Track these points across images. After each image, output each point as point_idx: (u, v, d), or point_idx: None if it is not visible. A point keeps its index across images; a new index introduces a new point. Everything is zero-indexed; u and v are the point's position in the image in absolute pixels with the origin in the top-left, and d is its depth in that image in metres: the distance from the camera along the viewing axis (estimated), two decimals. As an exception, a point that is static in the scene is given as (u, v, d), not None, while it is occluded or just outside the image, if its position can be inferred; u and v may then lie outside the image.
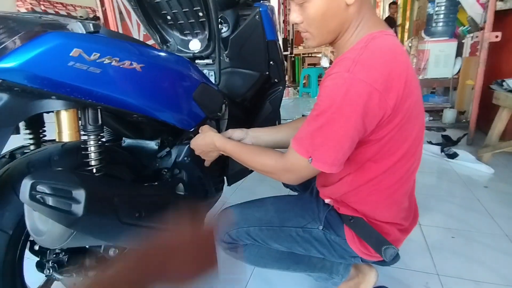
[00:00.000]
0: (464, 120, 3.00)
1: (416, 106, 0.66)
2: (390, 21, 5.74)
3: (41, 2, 4.93)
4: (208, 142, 0.88)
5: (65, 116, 0.66)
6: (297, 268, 0.96)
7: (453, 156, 2.14)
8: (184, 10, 1.21)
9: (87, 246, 0.76)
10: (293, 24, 0.87)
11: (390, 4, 5.95)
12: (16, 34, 0.54)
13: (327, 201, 0.82)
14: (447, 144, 2.40)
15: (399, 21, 6.56)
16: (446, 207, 1.57)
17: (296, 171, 0.70)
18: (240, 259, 0.93)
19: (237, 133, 0.97)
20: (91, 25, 0.65)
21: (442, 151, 2.24)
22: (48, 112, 0.71)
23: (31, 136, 0.81)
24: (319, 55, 6.06)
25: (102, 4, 2.91)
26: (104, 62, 0.64)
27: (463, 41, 3.18)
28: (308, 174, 0.70)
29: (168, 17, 1.27)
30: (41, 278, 0.77)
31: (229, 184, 1.34)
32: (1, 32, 0.53)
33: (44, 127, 0.83)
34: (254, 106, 1.65)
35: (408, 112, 0.64)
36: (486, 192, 1.72)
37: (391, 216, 0.77)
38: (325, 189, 0.82)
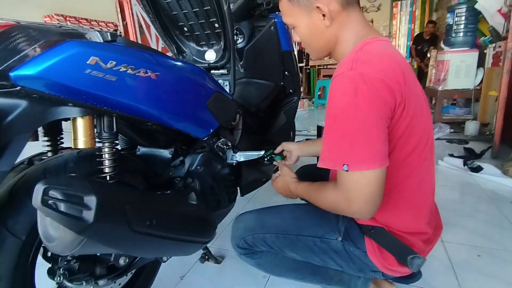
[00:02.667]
0: (487, 133, 2.88)
1: (419, 101, 0.67)
2: (419, 40, 5.59)
3: (67, 18, 5.19)
4: (285, 187, 0.91)
5: (81, 123, 0.67)
6: (313, 279, 0.93)
7: (478, 169, 2.04)
8: (200, 21, 1.23)
9: (98, 254, 0.76)
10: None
11: (427, 23, 5.78)
12: (36, 42, 0.56)
13: None
14: (470, 157, 2.30)
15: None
16: (471, 223, 1.49)
17: (352, 192, 0.62)
18: (255, 266, 0.91)
19: (291, 145, 1.09)
20: (108, 34, 0.66)
21: (465, 164, 2.14)
22: (65, 120, 0.72)
23: (49, 143, 0.83)
24: (335, 66, 6.03)
25: (124, 19, 3.03)
26: (120, 70, 0.65)
27: (484, 51, 3.09)
28: (362, 191, 0.61)
29: (185, 29, 1.30)
30: (51, 286, 0.77)
31: (242, 195, 1.32)
32: (22, 41, 0.55)
33: (62, 134, 0.85)
34: (268, 117, 1.65)
35: (413, 103, 0.64)
36: (514, 208, 1.62)
37: (414, 222, 0.73)
38: None
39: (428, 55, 4.74)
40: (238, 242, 0.87)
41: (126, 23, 2.99)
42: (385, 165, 0.61)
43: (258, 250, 0.87)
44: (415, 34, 6.25)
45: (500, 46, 2.78)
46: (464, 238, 1.37)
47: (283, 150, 1.17)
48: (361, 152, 0.59)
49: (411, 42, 6.11)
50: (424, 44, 5.49)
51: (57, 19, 4.96)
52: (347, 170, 0.60)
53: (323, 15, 0.69)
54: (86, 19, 5.45)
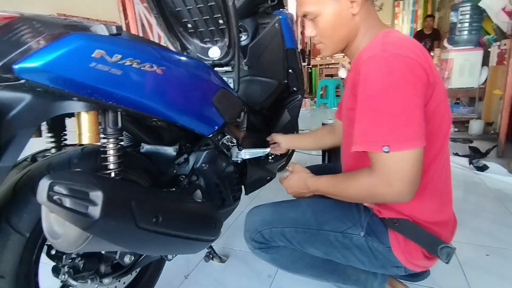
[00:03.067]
0: (492, 132, 2.86)
1: (443, 88, 0.67)
2: (421, 36, 5.58)
3: (68, 17, 5.19)
4: (301, 184, 0.84)
5: (86, 118, 0.66)
6: (329, 278, 0.90)
7: (483, 168, 2.02)
8: (204, 18, 1.22)
9: (102, 252, 0.75)
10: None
11: (425, 18, 5.78)
12: (41, 35, 0.55)
13: (366, 204, 0.77)
14: (475, 156, 2.28)
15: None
16: (478, 223, 1.47)
17: (390, 176, 0.59)
18: (270, 261, 0.88)
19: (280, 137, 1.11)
20: (114, 27, 0.65)
21: (470, 163, 2.12)
22: (69, 116, 0.71)
23: (52, 140, 0.81)
24: (337, 66, 6.02)
25: (126, 18, 3.02)
26: (126, 64, 0.63)
27: (489, 49, 3.06)
28: (404, 172, 0.59)
29: (189, 25, 1.29)
30: (55, 284, 0.76)
31: (246, 193, 1.31)
32: (26, 33, 0.54)
33: (66, 131, 0.84)
34: (272, 115, 1.63)
35: (439, 96, 0.64)
36: (521, 207, 1.60)
37: (438, 210, 0.71)
38: None
39: (432, 54, 4.73)
40: (253, 236, 0.83)
41: (128, 22, 2.98)
42: (424, 144, 0.59)
43: (275, 245, 0.83)
44: (416, 32, 6.22)
45: (505, 45, 2.75)
46: (471, 237, 1.35)
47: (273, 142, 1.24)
48: (402, 131, 0.58)
49: None
50: (427, 40, 5.46)
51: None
52: (387, 152, 0.58)
53: (351, 1, 0.68)
54: (88, 19, 5.46)
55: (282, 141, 1.22)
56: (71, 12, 5.17)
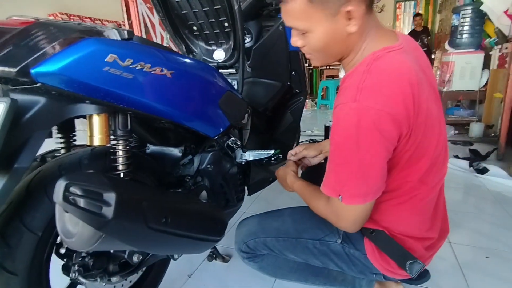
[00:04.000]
0: (492, 135, 2.88)
1: (429, 121, 0.64)
2: (415, 34, 5.69)
3: (71, 17, 5.20)
4: (284, 177, 0.93)
5: (97, 121, 0.68)
6: (315, 281, 0.94)
7: (483, 171, 2.04)
8: (210, 20, 1.24)
9: (111, 251, 0.76)
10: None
11: (414, 17, 5.93)
12: (56, 40, 0.56)
13: None
14: (475, 159, 2.30)
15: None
16: (478, 225, 1.49)
17: (341, 215, 0.67)
18: (258, 269, 0.93)
19: (310, 151, 0.97)
20: (125, 32, 0.67)
21: (470, 166, 2.14)
22: (80, 117, 0.73)
23: (62, 140, 0.83)
24: (338, 67, 6.04)
25: (129, 18, 3.04)
26: (137, 68, 0.65)
27: (490, 53, 3.08)
28: (354, 215, 0.65)
29: (194, 28, 1.30)
30: (63, 282, 0.78)
31: (249, 194, 1.32)
32: (42, 38, 0.55)
33: (75, 131, 0.86)
34: (275, 116, 1.65)
35: (422, 127, 0.62)
36: (521, 210, 1.62)
37: (414, 226, 0.73)
38: None
39: (433, 56, 4.77)
40: (240, 246, 0.90)
41: (132, 23, 3.00)
42: (376, 197, 0.64)
43: (260, 253, 0.88)
44: (408, 33, 6.29)
45: (506, 48, 2.77)
46: (471, 239, 1.37)
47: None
48: (356, 188, 0.62)
49: None
50: (422, 36, 5.61)
51: (61, 18, 4.97)
52: (340, 200, 0.64)
53: (349, 19, 0.60)
54: (90, 18, 5.47)
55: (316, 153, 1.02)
56: (73, 11, 5.19)
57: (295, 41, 0.68)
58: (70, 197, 0.50)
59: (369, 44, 0.65)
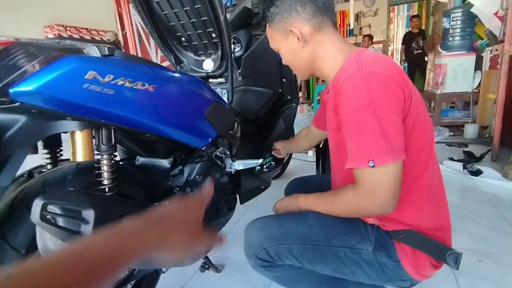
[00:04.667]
0: (487, 135, 2.88)
1: (421, 101, 0.70)
2: (411, 36, 5.73)
3: (67, 28, 5.24)
4: (290, 203, 0.85)
5: (80, 137, 0.68)
6: None
7: (477, 173, 2.04)
8: (197, 31, 1.25)
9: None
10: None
11: (411, 18, 6.00)
12: (35, 58, 0.57)
13: (370, 221, 0.76)
14: (469, 160, 2.30)
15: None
16: (471, 228, 1.48)
17: (374, 189, 0.63)
18: (272, 279, 0.85)
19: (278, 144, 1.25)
20: (106, 48, 0.67)
21: (464, 168, 2.14)
22: (65, 132, 0.73)
23: (48, 156, 0.83)
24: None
25: (123, 28, 3.06)
26: (118, 84, 0.65)
27: (482, 54, 3.11)
28: (387, 184, 0.62)
29: (183, 39, 1.31)
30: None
31: (241, 203, 1.32)
32: (21, 57, 0.56)
33: (61, 146, 0.86)
34: (267, 124, 1.66)
35: (418, 101, 0.67)
36: (515, 211, 1.62)
37: (436, 216, 0.74)
38: None
39: (426, 59, 4.79)
40: (257, 253, 0.77)
41: (126, 33, 3.02)
42: (404, 157, 0.63)
43: (281, 263, 0.78)
44: (404, 34, 6.34)
45: (497, 50, 2.79)
46: (465, 242, 1.36)
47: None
48: (385, 146, 0.61)
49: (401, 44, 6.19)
50: (418, 38, 5.62)
51: (58, 29, 5.01)
52: (373, 166, 0.61)
53: (298, 38, 0.75)
54: (86, 29, 5.51)
55: (281, 147, 1.43)
56: (69, 23, 5.23)
57: (283, 60, 0.86)
58: (48, 216, 0.50)
59: (341, 50, 0.75)
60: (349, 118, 0.65)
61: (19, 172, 0.70)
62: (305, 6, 0.74)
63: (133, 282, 0.90)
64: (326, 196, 0.77)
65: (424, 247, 0.71)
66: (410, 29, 6.01)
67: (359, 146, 0.63)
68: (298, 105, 1.81)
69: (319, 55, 0.77)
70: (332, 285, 0.87)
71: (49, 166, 0.84)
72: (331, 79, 0.75)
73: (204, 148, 0.97)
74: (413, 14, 6.41)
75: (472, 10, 2.94)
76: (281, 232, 0.76)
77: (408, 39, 5.87)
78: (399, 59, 7.91)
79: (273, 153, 1.47)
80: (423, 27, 6.70)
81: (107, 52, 0.67)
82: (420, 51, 5.67)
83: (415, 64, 5.75)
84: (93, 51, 0.66)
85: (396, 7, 7.67)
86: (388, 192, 0.62)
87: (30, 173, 0.85)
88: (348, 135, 0.66)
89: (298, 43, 0.77)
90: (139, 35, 3.27)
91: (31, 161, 0.78)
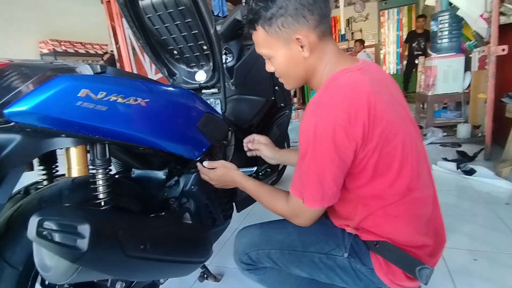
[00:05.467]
0: (479, 135, 2.92)
1: (392, 128, 0.67)
2: (414, 35, 5.71)
3: (61, 43, 5.28)
4: (227, 178, 0.95)
5: (74, 153, 0.70)
6: None
7: (471, 172, 2.06)
8: (189, 44, 1.28)
9: (95, 281, 0.77)
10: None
11: (417, 18, 6.00)
12: (29, 79, 0.59)
13: (348, 230, 0.79)
14: (463, 160, 2.33)
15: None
16: (466, 227, 1.50)
17: (300, 214, 0.76)
18: (259, 281, 0.91)
19: (267, 151, 1.12)
20: (98, 66, 0.69)
21: (458, 167, 2.17)
22: (60, 148, 0.74)
23: (44, 172, 0.85)
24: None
25: (116, 42, 3.10)
26: (110, 100, 0.67)
27: (470, 55, 3.16)
28: (312, 215, 0.75)
29: (175, 52, 1.34)
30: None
31: (238, 211, 1.33)
32: (15, 79, 0.58)
33: (57, 162, 0.87)
34: (261, 131, 1.67)
35: (383, 135, 0.66)
36: (508, 209, 1.64)
37: (414, 235, 0.73)
38: (340, 220, 0.80)
39: (416, 61, 4.84)
40: (241, 258, 0.86)
41: (119, 47, 3.06)
42: (333, 202, 0.71)
43: (262, 266, 0.86)
44: (408, 32, 6.33)
45: (483, 51, 2.85)
46: (460, 242, 1.38)
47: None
48: (315, 191, 0.69)
49: (402, 44, 6.17)
50: (420, 39, 5.56)
51: (52, 44, 5.06)
52: (303, 203, 0.71)
53: (301, 46, 0.70)
54: (80, 43, 5.56)
55: (271, 155, 1.15)
56: (64, 38, 5.27)
57: (268, 67, 0.79)
58: (44, 232, 0.51)
59: (330, 67, 0.73)
60: (299, 156, 0.69)
61: (15, 190, 0.72)
62: (313, 11, 0.67)
63: (131, 295, 0.90)
64: (264, 191, 0.86)
65: (396, 259, 0.72)
66: (414, 29, 5.96)
67: (299, 182, 0.72)
68: (293, 111, 1.84)
69: (317, 67, 0.74)
70: (315, 286, 0.89)
71: (45, 182, 0.85)
72: (317, 89, 0.75)
73: (198, 159, 0.99)
74: (418, 15, 6.34)
75: (458, 13, 3.01)
76: (262, 239, 0.85)
77: (410, 38, 5.87)
78: (392, 61, 8.03)
79: (248, 153, 1.20)
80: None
81: (99, 70, 0.69)
82: (420, 52, 5.61)
83: (414, 65, 5.67)
84: (85, 69, 0.68)
85: (386, 11, 7.79)
86: (309, 221, 0.76)
87: (26, 190, 0.86)
88: (297, 166, 0.72)
89: (301, 52, 0.70)
90: (133, 48, 3.31)
91: (27, 178, 0.79)
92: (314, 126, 0.64)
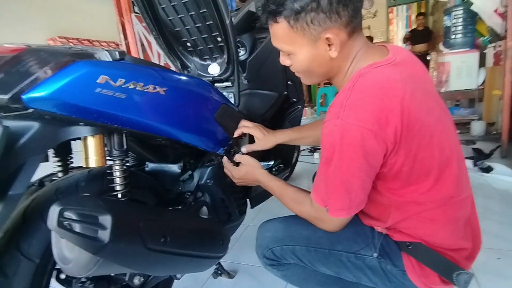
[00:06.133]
0: (494, 132, 2.86)
1: (427, 130, 0.62)
2: (417, 34, 5.72)
3: (70, 40, 5.31)
4: (251, 178, 0.92)
5: (92, 142, 0.67)
6: None
7: (488, 170, 2.01)
8: (203, 36, 1.25)
9: (112, 275, 0.75)
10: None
11: (416, 16, 5.99)
12: (47, 64, 0.57)
13: (377, 229, 0.75)
14: (479, 157, 2.27)
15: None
16: (487, 225, 1.44)
17: (326, 221, 0.72)
18: (282, 277, 0.87)
19: (285, 135, 1.06)
20: (117, 53, 0.67)
21: (475, 165, 2.11)
22: (75, 140, 0.72)
23: (59, 164, 0.83)
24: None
25: (126, 38, 3.09)
26: (129, 87, 0.65)
27: (484, 51, 3.09)
28: (338, 222, 0.71)
29: (188, 44, 1.31)
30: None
31: (252, 207, 1.30)
32: (33, 64, 0.56)
33: (72, 154, 0.85)
34: (273, 126, 1.64)
35: (417, 139, 0.61)
36: (529, 207, 1.59)
37: (449, 237, 0.69)
38: (369, 220, 0.76)
39: (428, 58, 4.78)
40: (264, 252, 0.82)
41: (128, 42, 3.05)
42: (360, 209, 0.67)
43: (286, 262, 0.82)
44: (409, 32, 6.30)
45: (500, 46, 2.78)
46: (482, 240, 1.33)
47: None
48: (340, 201, 0.65)
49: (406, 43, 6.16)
50: (422, 36, 5.57)
51: (60, 42, 5.08)
52: (327, 210, 0.67)
53: (329, 45, 0.63)
54: (88, 40, 5.58)
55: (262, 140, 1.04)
56: (72, 35, 5.30)
57: (283, 60, 0.72)
58: (65, 222, 0.49)
59: (356, 64, 0.66)
60: (322, 161, 0.65)
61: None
62: (348, 6, 0.59)
63: (147, 290, 0.88)
64: (288, 193, 0.82)
65: (431, 263, 0.68)
66: (415, 27, 5.96)
67: (323, 189, 0.67)
68: (303, 108, 1.80)
69: (342, 65, 0.68)
70: (341, 285, 0.86)
71: (60, 174, 0.83)
72: (339, 89, 0.71)
73: (223, 153, 0.96)
74: (418, 13, 6.33)
75: (472, 8, 2.94)
76: (287, 234, 0.81)
77: (412, 36, 5.86)
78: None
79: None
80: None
81: (118, 57, 0.67)
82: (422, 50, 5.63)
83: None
84: (104, 55, 0.65)
85: (395, 8, 7.68)
86: (336, 228, 0.72)
87: (41, 182, 0.85)
88: (319, 171, 0.67)
89: (328, 51, 0.63)
90: (142, 44, 3.30)
91: (41, 170, 0.77)
92: (341, 130, 0.59)
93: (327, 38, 0.61)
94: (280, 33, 0.65)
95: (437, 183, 0.64)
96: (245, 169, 0.92)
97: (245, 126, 1.03)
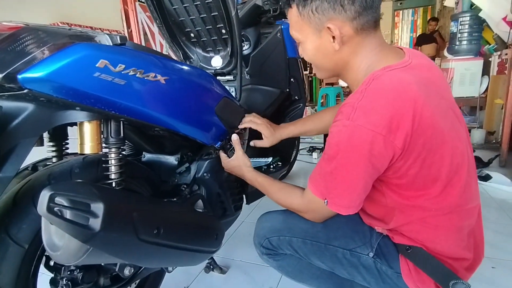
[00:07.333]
0: (494, 141, 2.85)
1: (438, 137, 0.60)
2: (426, 38, 5.71)
3: (72, 26, 5.25)
4: (238, 173, 0.96)
5: (88, 128, 0.66)
6: None
7: (486, 178, 2.01)
8: (207, 27, 1.23)
9: (102, 264, 0.73)
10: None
11: (428, 21, 5.97)
12: (45, 45, 0.55)
13: (378, 229, 0.74)
14: (478, 165, 2.27)
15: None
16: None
17: (316, 211, 0.74)
18: (277, 268, 0.88)
19: (289, 130, 1.10)
20: (118, 37, 0.65)
21: (473, 172, 2.10)
22: (71, 125, 0.71)
23: (54, 149, 0.81)
24: (338, 75, 6.04)
25: (129, 26, 3.06)
26: (129, 74, 0.63)
27: (489, 59, 3.08)
28: (329, 213, 0.73)
29: (192, 35, 1.29)
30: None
31: (248, 203, 1.29)
32: (31, 43, 0.54)
33: (67, 139, 0.84)
34: (274, 123, 1.63)
35: (427, 146, 0.59)
36: (526, 218, 1.58)
37: (452, 245, 0.67)
38: (371, 219, 0.75)
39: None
40: (261, 241, 0.83)
41: (131, 31, 3.02)
42: (359, 208, 0.67)
43: (282, 252, 0.83)
44: (418, 36, 6.30)
45: (506, 54, 2.77)
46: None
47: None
48: (343, 197, 0.65)
49: (415, 47, 6.16)
50: (429, 39, 5.57)
51: (63, 28, 5.04)
52: (326, 203, 0.67)
53: (333, 37, 0.63)
54: (91, 27, 5.52)
55: (269, 136, 1.07)
56: (74, 21, 5.24)
57: (301, 51, 0.74)
58: (55, 208, 0.47)
59: (370, 65, 0.65)
60: (326, 157, 0.65)
61: (23, 165, 0.68)
62: (354, 1, 0.60)
63: (137, 281, 0.87)
64: (276, 188, 0.85)
65: (428, 268, 0.67)
66: (426, 31, 5.95)
67: (323, 184, 0.67)
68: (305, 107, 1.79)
69: (350, 63, 0.67)
70: (335, 280, 0.86)
71: (54, 159, 0.81)
72: (352, 90, 0.69)
73: (213, 145, 0.95)
74: (431, 17, 6.30)
75: (480, 14, 2.92)
76: (285, 226, 0.82)
77: (421, 41, 5.84)
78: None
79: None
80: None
81: (119, 41, 0.65)
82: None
83: None
84: (105, 39, 0.63)
85: (400, 12, 7.66)
86: (322, 219, 0.76)
87: (34, 166, 0.83)
88: (320, 165, 0.67)
89: (331, 43, 0.64)
90: (145, 34, 3.27)
91: (35, 154, 0.75)
92: (349, 132, 0.59)
93: (328, 27, 0.63)
94: (293, 19, 0.69)
95: (444, 190, 0.62)
96: (234, 164, 0.96)
97: (254, 122, 1.04)
